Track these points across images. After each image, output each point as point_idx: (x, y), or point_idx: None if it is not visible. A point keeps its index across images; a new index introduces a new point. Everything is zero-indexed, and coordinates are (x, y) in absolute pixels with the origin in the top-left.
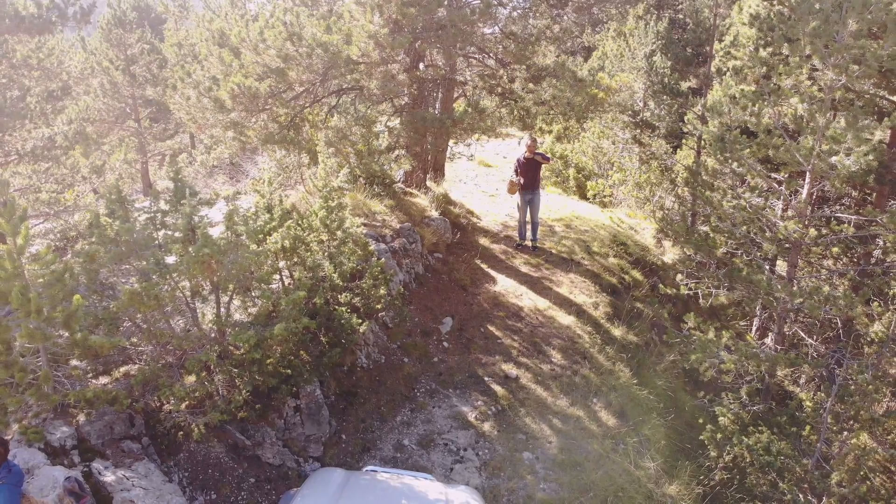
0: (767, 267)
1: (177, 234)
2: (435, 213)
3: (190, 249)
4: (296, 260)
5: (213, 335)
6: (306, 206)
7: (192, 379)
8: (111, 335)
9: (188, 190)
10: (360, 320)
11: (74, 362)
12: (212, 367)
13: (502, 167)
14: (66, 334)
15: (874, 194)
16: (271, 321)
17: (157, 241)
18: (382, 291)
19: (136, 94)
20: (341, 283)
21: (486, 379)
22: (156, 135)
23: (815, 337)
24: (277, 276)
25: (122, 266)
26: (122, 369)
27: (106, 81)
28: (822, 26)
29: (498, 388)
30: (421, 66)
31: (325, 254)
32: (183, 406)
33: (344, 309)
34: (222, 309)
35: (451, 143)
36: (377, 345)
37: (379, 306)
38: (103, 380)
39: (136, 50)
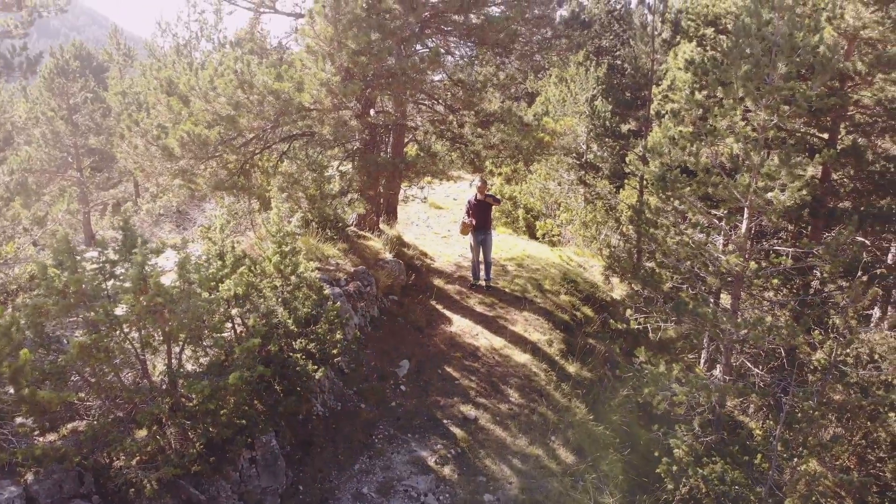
0: (712, 300)
1: (126, 284)
2: (389, 256)
3: (142, 299)
4: (248, 306)
5: (164, 387)
6: (258, 251)
7: (143, 433)
8: (59, 390)
9: (140, 239)
10: (316, 367)
11: (20, 419)
12: (164, 420)
13: (453, 209)
14: (13, 390)
15: (809, 227)
16: (224, 370)
17: (105, 292)
18: (338, 336)
19: (79, 143)
20: (296, 329)
21: (444, 421)
22: (98, 184)
23: (760, 366)
24: (230, 324)
25: (69, 318)
26: (70, 425)
27: (48, 131)
28: (754, 70)
29: (457, 431)
30: (372, 111)
31: (279, 299)
32: (134, 461)
33: (299, 356)
34: (174, 359)
35: (404, 186)
36: (333, 391)
37: (335, 351)
38: (51, 437)
39: (79, 99)
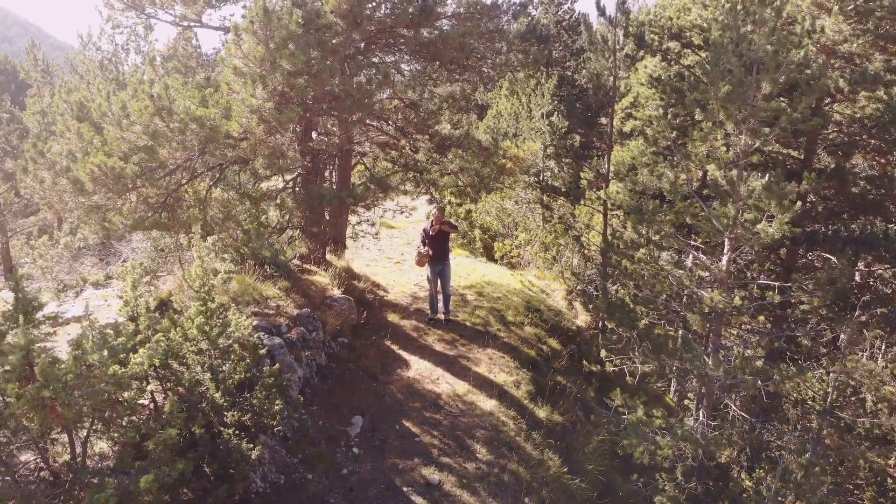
0: (691, 336)
1: (10, 367)
2: (337, 292)
3: (28, 388)
4: (166, 372)
5: (67, 483)
6: (184, 299)
7: None
8: None
9: (25, 310)
10: (252, 444)
11: None
12: None
13: (406, 228)
14: None
15: (783, 250)
16: (141, 454)
17: None
18: (278, 406)
19: None
20: (225, 403)
21: (404, 489)
22: (17, 211)
23: (734, 398)
24: (148, 396)
25: None
26: None
27: None
28: (736, 90)
29: (419, 500)
30: (314, 134)
31: (206, 366)
32: None
33: (231, 431)
34: (78, 448)
35: (352, 219)
36: (275, 461)
37: (274, 422)
38: None
39: None
